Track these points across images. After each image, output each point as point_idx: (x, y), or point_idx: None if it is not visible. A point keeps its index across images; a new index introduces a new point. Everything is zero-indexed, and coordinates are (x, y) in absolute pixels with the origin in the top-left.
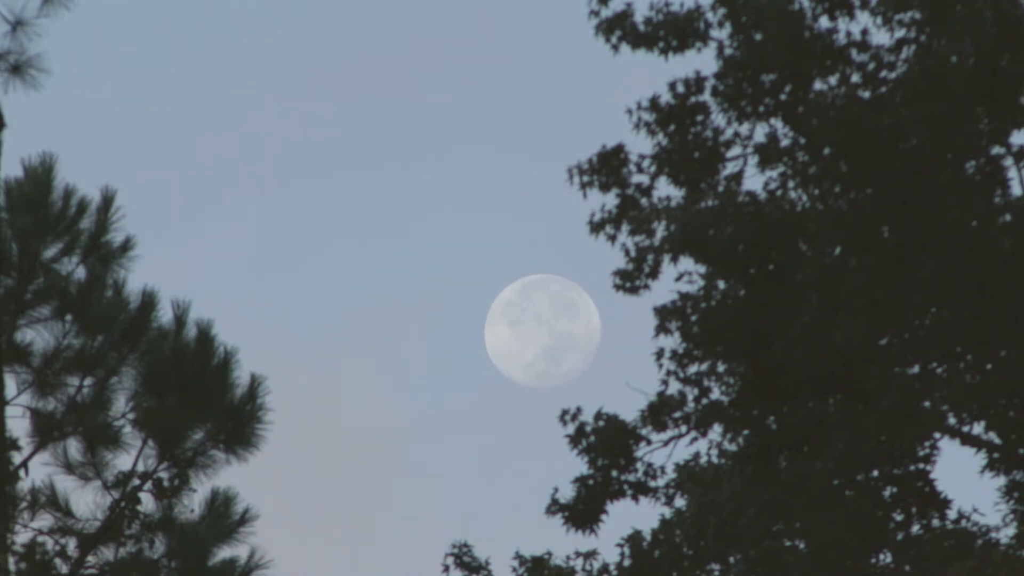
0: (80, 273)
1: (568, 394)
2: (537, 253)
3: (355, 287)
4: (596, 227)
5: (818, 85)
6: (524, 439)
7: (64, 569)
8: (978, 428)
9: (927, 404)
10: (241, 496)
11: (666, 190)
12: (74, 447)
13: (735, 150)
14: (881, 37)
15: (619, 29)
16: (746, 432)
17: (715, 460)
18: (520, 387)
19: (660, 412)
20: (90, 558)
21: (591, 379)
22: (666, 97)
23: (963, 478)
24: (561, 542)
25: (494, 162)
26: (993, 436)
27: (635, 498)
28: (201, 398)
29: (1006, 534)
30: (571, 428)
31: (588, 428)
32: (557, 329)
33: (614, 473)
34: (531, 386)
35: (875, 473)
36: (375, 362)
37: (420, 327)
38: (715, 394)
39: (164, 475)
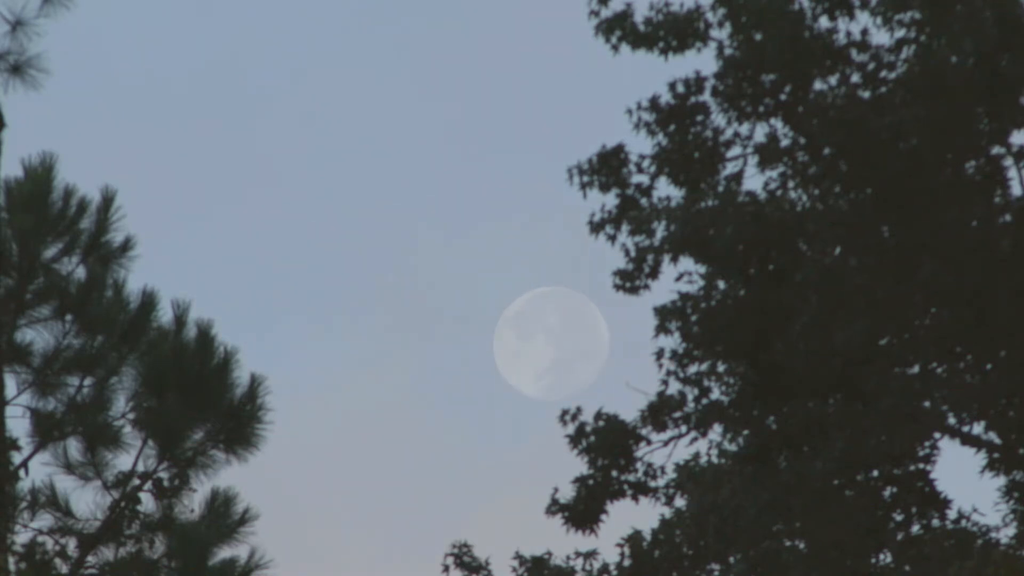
0: (80, 273)
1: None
2: (547, 265)
3: (360, 291)
4: (596, 227)
5: (818, 85)
6: (528, 446)
7: (64, 569)
8: (978, 428)
9: (927, 404)
10: (241, 496)
11: (666, 190)
12: (74, 447)
13: (735, 150)
14: (881, 37)
15: (619, 29)
16: (746, 432)
17: (715, 460)
18: (528, 399)
19: (660, 412)
20: (90, 558)
21: (600, 391)
22: (666, 97)
23: (963, 478)
24: (561, 542)
25: (496, 167)
26: (993, 436)
27: (635, 498)
28: (201, 398)
29: (1006, 534)
30: (571, 428)
31: (588, 428)
32: (566, 341)
33: (614, 473)
34: (539, 398)
35: (875, 473)
36: (379, 366)
37: (428, 336)
38: (715, 394)
39: (164, 475)
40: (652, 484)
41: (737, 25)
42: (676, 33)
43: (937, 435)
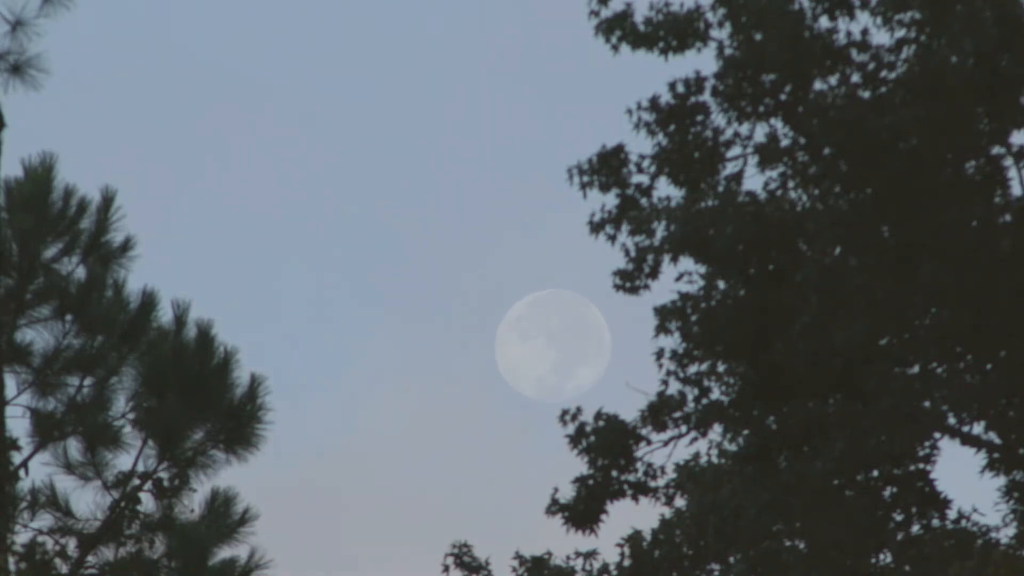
0: (80, 273)
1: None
2: (548, 267)
3: (360, 292)
4: (596, 227)
5: (818, 85)
6: (528, 446)
7: (64, 569)
8: (978, 428)
9: (927, 404)
10: (241, 496)
11: (666, 190)
12: (74, 447)
13: (735, 150)
14: (881, 37)
15: (619, 29)
16: (746, 432)
17: (715, 460)
18: (530, 401)
19: (660, 412)
20: (90, 558)
21: (601, 394)
22: (666, 97)
23: (963, 478)
24: (561, 542)
25: (496, 167)
26: (993, 436)
27: (635, 498)
28: (201, 398)
29: (1006, 534)
30: (571, 428)
31: (588, 428)
32: (568, 344)
33: (614, 473)
34: (541, 400)
35: (875, 473)
36: (379, 367)
37: (429, 338)
38: (715, 394)
39: (164, 475)
40: (652, 484)
41: (737, 25)
42: (676, 33)
43: (937, 435)
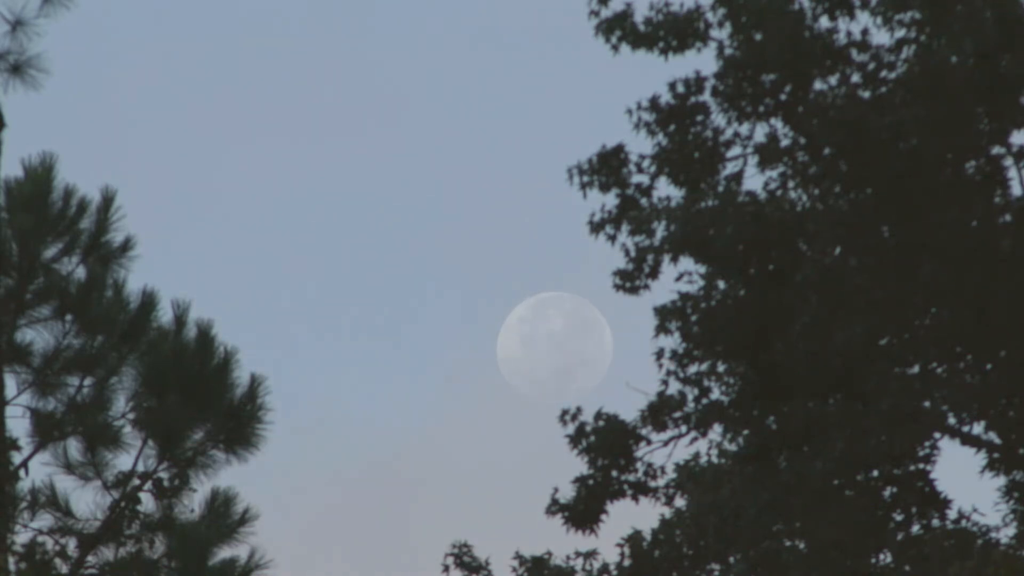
0: (80, 273)
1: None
2: (550, 269)
3: (361, 292)
4: (596, 227)
5: (818, 85)
6: (529, 447)
7: (64, 569)
8: (978, 428)
9: (927, 404)
10: (241, 496)
11: (666, 190)
12: (74, 447)
13: (735, 150)
14: (881, 37)
15: (619, 29)
16: (746, 432)
17: (715, 460)
18: (531, 402)
19: (660, 412)
20: (90, 558)
21: (603, 396)
22: (666, 97)
23: (963, 478)
24: (561, 542)
25: (495, 168)
26: (993, 436)
27: (635, 498)
28: (201, 398)
29: (1006, 534)
30: (571, 428)
31: (588, 428)
32: (570, 347)
33: (614, 473)
34: (542, 401)
35: (875, 473)
36: (380, 368)
37: (430, 339)
38: (715, 394)
39: (164, 475)
40: (652, 484)
41: (737, 25)
42: (676, 33)
43: (937, 435)
